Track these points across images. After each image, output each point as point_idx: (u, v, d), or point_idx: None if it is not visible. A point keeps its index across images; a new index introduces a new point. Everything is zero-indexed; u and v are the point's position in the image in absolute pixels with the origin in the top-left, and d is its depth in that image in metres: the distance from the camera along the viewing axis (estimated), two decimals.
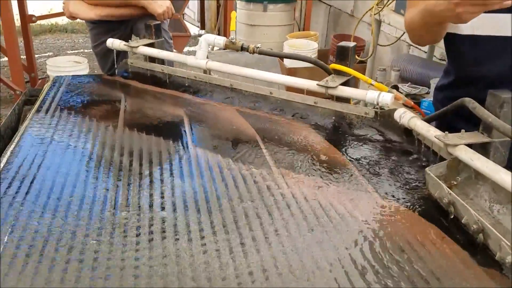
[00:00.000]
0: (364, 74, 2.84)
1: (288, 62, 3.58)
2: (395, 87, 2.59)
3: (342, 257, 0.73)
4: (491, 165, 0.83)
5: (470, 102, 0.95)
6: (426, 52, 2.96)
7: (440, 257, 0.75)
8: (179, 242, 0.76)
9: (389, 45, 3.25)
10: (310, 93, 1.38)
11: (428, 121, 1.10)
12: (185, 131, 1.23)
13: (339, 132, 1.28)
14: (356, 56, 3.47)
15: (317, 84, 1.26)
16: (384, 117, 1.24)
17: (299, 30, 4.85)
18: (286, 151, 1.13)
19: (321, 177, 1.00)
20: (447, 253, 0.76)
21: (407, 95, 2.48)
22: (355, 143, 1.20)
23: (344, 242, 0.78)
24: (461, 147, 0.90)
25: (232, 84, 1.52)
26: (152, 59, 1.67)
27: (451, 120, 1.10)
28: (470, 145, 0.93)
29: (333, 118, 1.33)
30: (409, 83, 2.69)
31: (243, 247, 0.75)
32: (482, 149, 0.94)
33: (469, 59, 1.09)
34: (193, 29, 5.68)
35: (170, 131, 1.26)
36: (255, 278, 0.68)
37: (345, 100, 1.38)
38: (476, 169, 0.86)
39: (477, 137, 0.94)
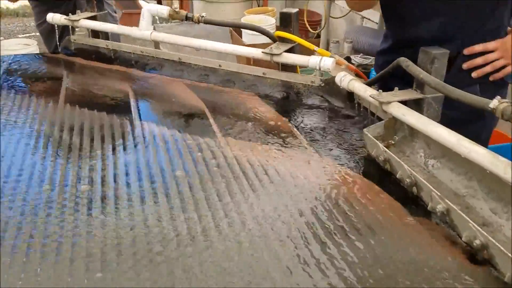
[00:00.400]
0: (318, 47, 2.85)
1: (246, 39, 3.55)
2: (348, 59, 2.62)
3: (283, 216, 0.75)
4: (422, 119, 0.86)
5: (404, 61, 0.98)
6: (377, 24, 3.01)
7: (377, 211, 0.78)
8: (125, 210, 0.75)
9: (341, 17, 3.28)
10: (259, 64, 1.38)
11: (369, 85, 1.13)
12: (130, 105, 1.21)
13: (286, 101, 1.30)
14: (313, 30, 3.49)
15: (262, 52, 1.26)
16: (328, 84, 1.27)
17: (258, 6, 4.80)
18: (234, 121, 1.13)
19: (266, 143, 1.01)
20: (383, 207, 0.79)
21: (358, 65, 2.53)
22: (302, 110, 1.22)
23: (287, 201, 0.79)
24: (394, 104, 0.93)
25: (180, 58, 1.49)
26: (96, 35, 1.62)
27: (390, 82, 1.13)
28: (405, 104, 0.97)
29: (281, 88, 1.34)
30: (361, 54, 2.74)
31: (184, 212, 0.75)
32: (416, 105, 0.98)
33: (405, 20, 1.11)
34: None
35: (115, 106, 1.23)
36: (196, 241, 0.69)
37: (294, 70, 1.39)
38: (409, 124, 0.89)
39: (411, 94, 0.97)
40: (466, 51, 1.06)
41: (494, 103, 0.74)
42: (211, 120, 1.11)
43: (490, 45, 1.03)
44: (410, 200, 0.82)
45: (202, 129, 1.08)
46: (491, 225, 0.72)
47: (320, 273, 0.62)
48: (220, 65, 1.42)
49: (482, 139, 1.13)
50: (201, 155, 0.94)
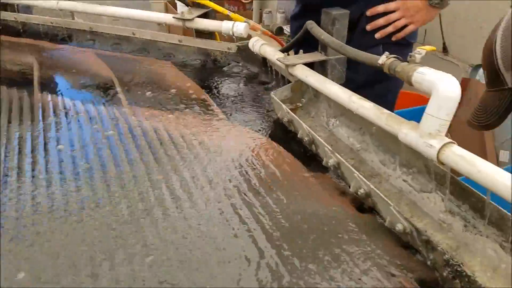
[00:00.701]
0: (251, 19, 2.82)
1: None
2: (280, 29, 2.62)
3: (201, 179, 0.74)
4: (320, 79, 0.87)
5: (309, 24, 0.98)
6: None
7: (279, 169, 0.79)
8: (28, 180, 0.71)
9: None
10: (176, 31, 1.34)
11: (284, 51, 1.12)
12: (34, 78, 1.14)
13: (203, 69, 1.27)
14: (245, 1, 3.45)
15: (173, 17, 1.22)
16: (245, 50, 1.26)
17: None
18: (145, 91, 1.10)
19: (179, 112, 0.99)
20: (284, 166, 0.80)
21: (289, 35, 2.53)
22: (218, 78, 1.21)
23: (202, 166, 0.78)
24: (299, 66, 0.94)
25: (91, 27, 1.42)
26: (4, 7, 1.51)
27: (306, 47, 1.13)
28: (312, 66, 0.98)
29: (198, 55, 1.31)
30: None
31: (91, 177, 0.73)
32: (321, 67, 0.99)
33: None
34: None
35: (18, 80, 1.16)
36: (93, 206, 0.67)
37: (212, 38, 1.36)
38: (309, 84, 0.90)
39: (315, 56, 0.98)
40: (369, 12, 1.08)
41: (382, 59, 0.76)
42: (119, 89, 1.07)
43: (391, 5, 1.06)
44: (310, 157, 0.84)
45: (109, 99, 1.04)
46: (380, 175, 0.75)
47: (238, 220, 0.62)
48: (134, 33, 1.37)
49: (388, 99, 1.18)
50: (107, 124, 0.91)
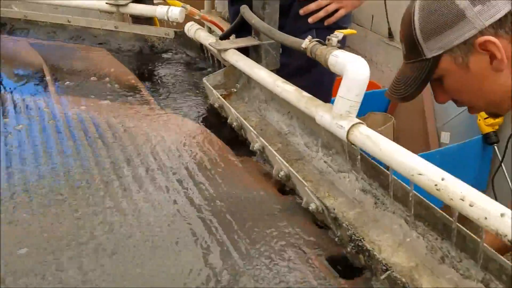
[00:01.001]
0: (203, 6, 2.76)
1: None
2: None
3: (140, 166, 0.73)
4: (249, 63, 0.87)
5: (242, 8, 0.98)
6: None
7: (210, 154, 0.78)
8: None
9: None
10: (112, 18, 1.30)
11: (224, 37, 1.11)
12: None
13: (140, 55, 1.25)
14: None
15: (107, 3, 1.19)
16: (183, 36, 1.24)
17: None
18: (77, 79, 1.06)
19: (112, 100, 0.97)
20: (214, 151, 0.80)
21: None
22: (154, 64, 1.19)
23: (136, 152, 0.77)
24: (230, 51, 0.94)
25: (26, 15, 1.37)
26: None
27: (246, 33, 1.12)
28: (246, 51, 0.98)
29: (135, 42, 1.29)
30: None
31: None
32: (255, 52, 0.99)
33: None
34: None
35: None
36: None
37: (151, 23, 1.34)
38: (239, 68, 0.90)
39: (248, 41, 0.98)
40: None
41: (305, 42, 0.77)
42: (48, 78, 1.04)
43: None
44: (240, 142, 0.84)
45: (38, 88, 1.01)
46: (304, 158, 0.77)
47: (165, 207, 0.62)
48: (69, 21, 1.33)
49: (324, 84, 1.19)
50: (30, 115, 0.88)
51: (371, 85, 2.39)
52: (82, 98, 0.96)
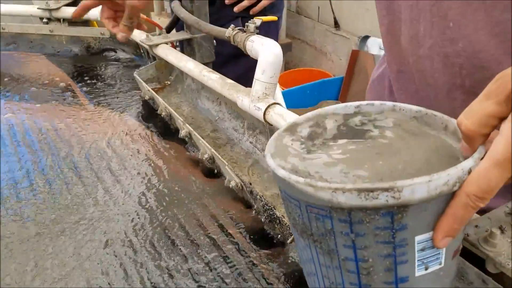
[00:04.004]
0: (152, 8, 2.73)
1: None
2: None
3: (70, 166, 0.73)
4: (178, 56, 0.88)
5: (172, 3, 0.99)
6: None
7: (137, 146, 0.79)
8: None
9: None
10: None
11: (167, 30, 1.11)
12: None
13: (76, 57, 1.24)
14: None
15: (38, 8, 1.17)
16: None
17: None
18: (14, 85, 1.05)
19: (42, 103, 0.96)
20: (145, 142, 0.81)
21: None
22: (90, 66, 1.18)
23: (70, 150, 0.77)
24: (160, 46, 0.95)
25: None
26: None
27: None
28: (182, 47, 0.99)
29: (71, 44, 1.28)
30: None
31: None
32: (189, 47, 1.00)
33: None
34: None
35: None
36: None
37: (87, 25, 1.33)
38: (169, 62, 0.91)
39: (180, 35, 0.99)
40: None
41: (228, 31, 0.79)
42: None
43: None
44: (172, 132, 0.86)
45: None
46: (233, 141, 0.79)
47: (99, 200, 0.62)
48: (3, 28, 1.30)
49: None
50: None
51: (322, 74, 2.45)
52: (15, 104, 0.95)
